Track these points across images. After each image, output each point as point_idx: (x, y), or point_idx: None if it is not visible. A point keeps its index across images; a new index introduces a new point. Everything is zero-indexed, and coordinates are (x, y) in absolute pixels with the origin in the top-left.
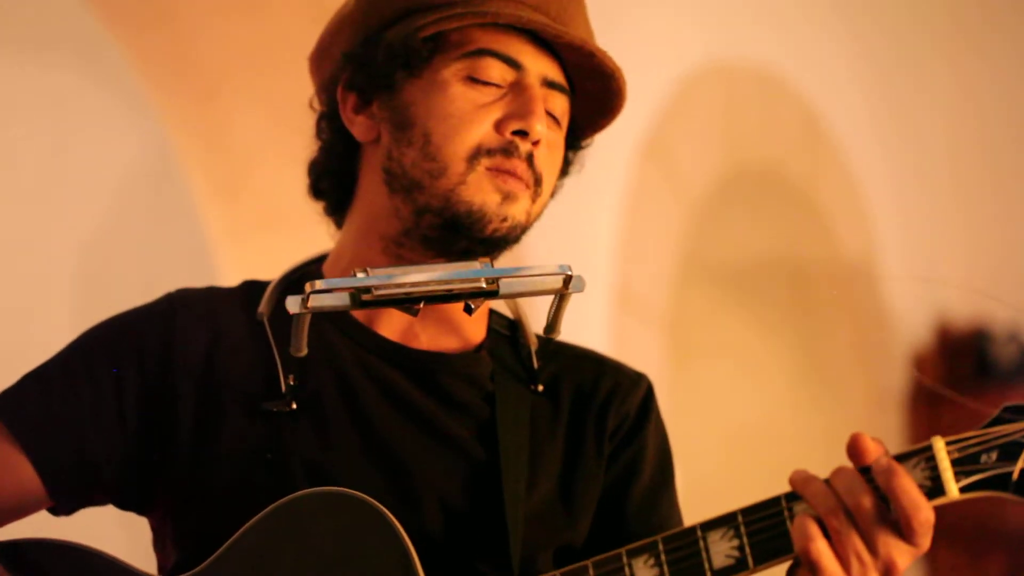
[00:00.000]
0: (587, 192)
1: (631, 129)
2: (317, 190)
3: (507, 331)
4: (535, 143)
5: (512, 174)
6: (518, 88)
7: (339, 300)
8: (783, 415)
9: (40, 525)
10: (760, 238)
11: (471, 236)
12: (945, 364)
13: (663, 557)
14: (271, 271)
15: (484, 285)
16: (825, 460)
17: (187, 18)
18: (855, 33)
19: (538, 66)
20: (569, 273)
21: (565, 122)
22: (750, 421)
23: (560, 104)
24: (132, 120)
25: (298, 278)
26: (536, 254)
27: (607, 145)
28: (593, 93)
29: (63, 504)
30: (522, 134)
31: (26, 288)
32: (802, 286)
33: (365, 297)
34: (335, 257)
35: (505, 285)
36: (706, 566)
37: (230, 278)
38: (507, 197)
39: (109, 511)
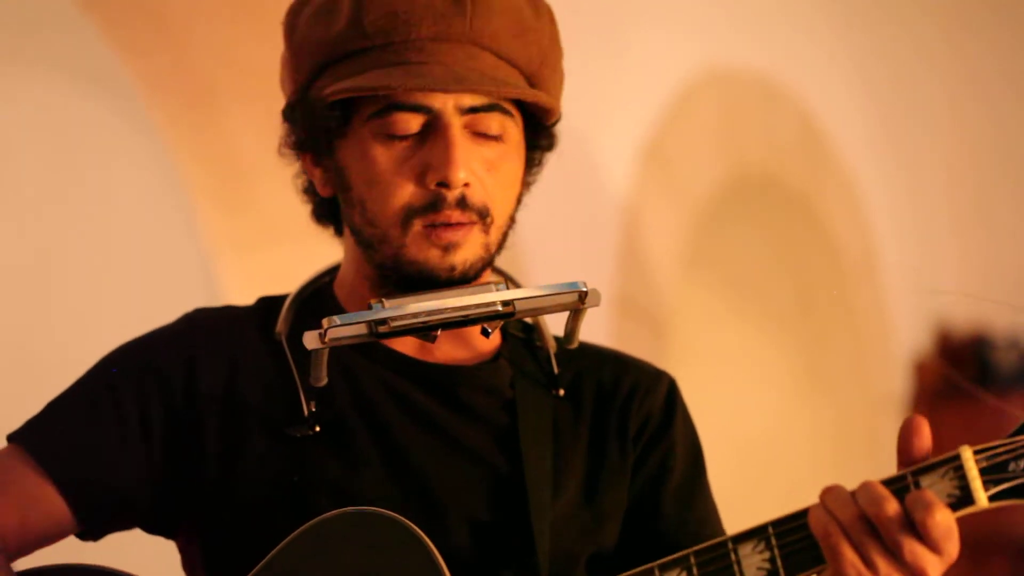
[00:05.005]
0: (587, 198)
1: (631, 135)
2: (318, 215)
3: (523, 333)
4: (466, 184)
5: (447, 225)
6: (433, 132)
7: (356, 331)
8: (784, 420)
9: (72, 550)
10: (760, 244)
11: (428, 287)
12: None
13: (695, 571)
14: (273, 284)
15: (500, 308)
16: (826, 464)
17: (186, 27)
18: (854, 40)
19: (451, 100)
20: (585, 289)
21: (509, 129)
22: (751, 426)
23: (494, 122)
24: (131, 131)
25: (312, 293)
26: (538, 260)
27: (607, 151)
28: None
29: (92, 530)
30: (444, 185)
31: (26, 303)
32: (802, 291)
33: (382, 329)
34: (341, 279)
35: (521, 305)
36: None
37: (231, 291)
38: (447, 249)
39: (139, 535)
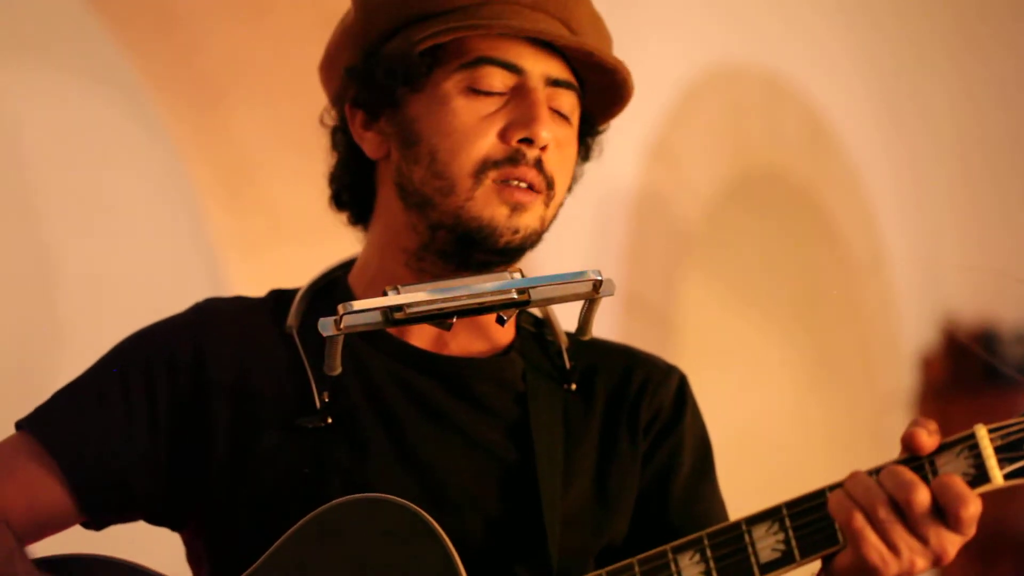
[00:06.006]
0: (595, 195)
1: (639, 132)
2: (339, 202)
3: (535, 328)
4: (543, 148)
5: (522, 181)
6: (520, 93)
7: (371, 319)
8: (791, 417)
9: (80, 540)
10: (766, 240)
11: (485, 249)
12: (952, 365)
13: (709, 553)
14: (279, 284)
15: (515, 295)
16: (834, 460)
17: (193, 27)
18: (859, 37)
19: (540, 66)
20: (599, 278)
21: (575, 116)
22: (757, 422)
23: (567, 101)
24: (138, 130)
25: (324, 286)
26: (545, 257)
27: (615, 148)
28: (599, 85)
29: (95, 519)
30: (528, 141)
31: (31, 302)
32: (808, 289)
33: (397, 315)
34: (361, 267)
35: (536, 293)
36: (753, 560)
37: (237, 291)
38: (515, 209)
39: (147, 527)
